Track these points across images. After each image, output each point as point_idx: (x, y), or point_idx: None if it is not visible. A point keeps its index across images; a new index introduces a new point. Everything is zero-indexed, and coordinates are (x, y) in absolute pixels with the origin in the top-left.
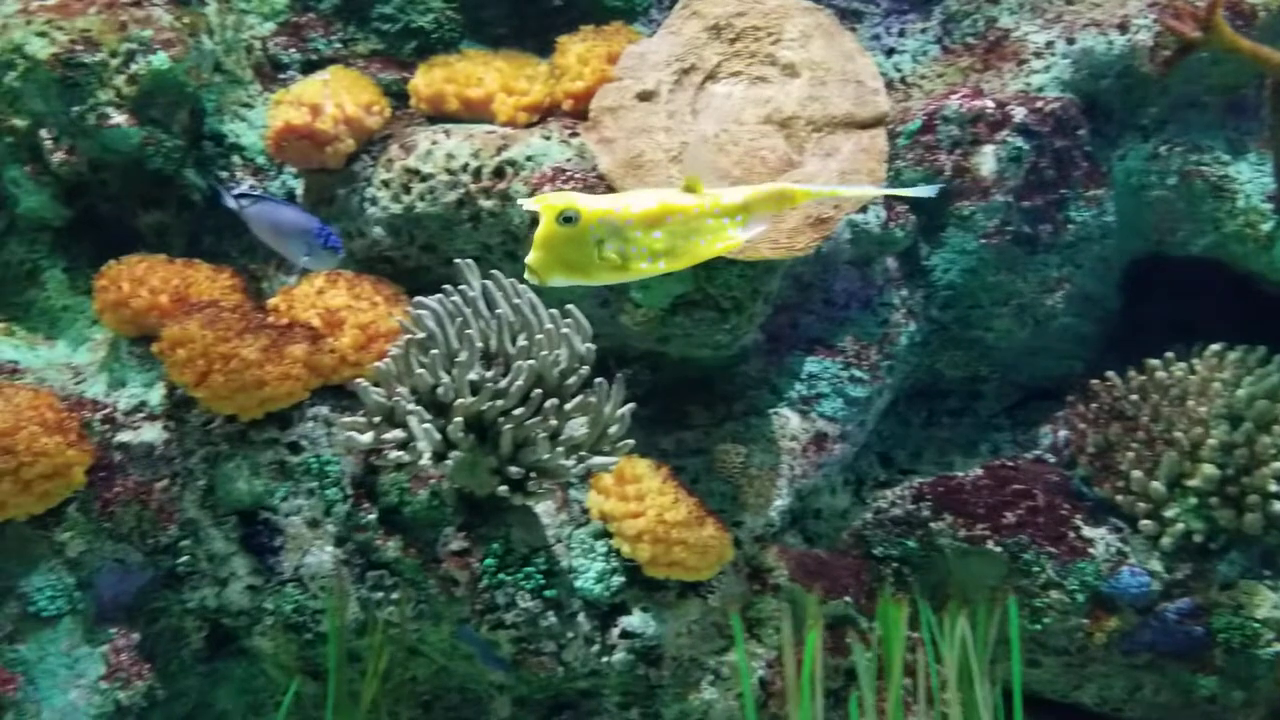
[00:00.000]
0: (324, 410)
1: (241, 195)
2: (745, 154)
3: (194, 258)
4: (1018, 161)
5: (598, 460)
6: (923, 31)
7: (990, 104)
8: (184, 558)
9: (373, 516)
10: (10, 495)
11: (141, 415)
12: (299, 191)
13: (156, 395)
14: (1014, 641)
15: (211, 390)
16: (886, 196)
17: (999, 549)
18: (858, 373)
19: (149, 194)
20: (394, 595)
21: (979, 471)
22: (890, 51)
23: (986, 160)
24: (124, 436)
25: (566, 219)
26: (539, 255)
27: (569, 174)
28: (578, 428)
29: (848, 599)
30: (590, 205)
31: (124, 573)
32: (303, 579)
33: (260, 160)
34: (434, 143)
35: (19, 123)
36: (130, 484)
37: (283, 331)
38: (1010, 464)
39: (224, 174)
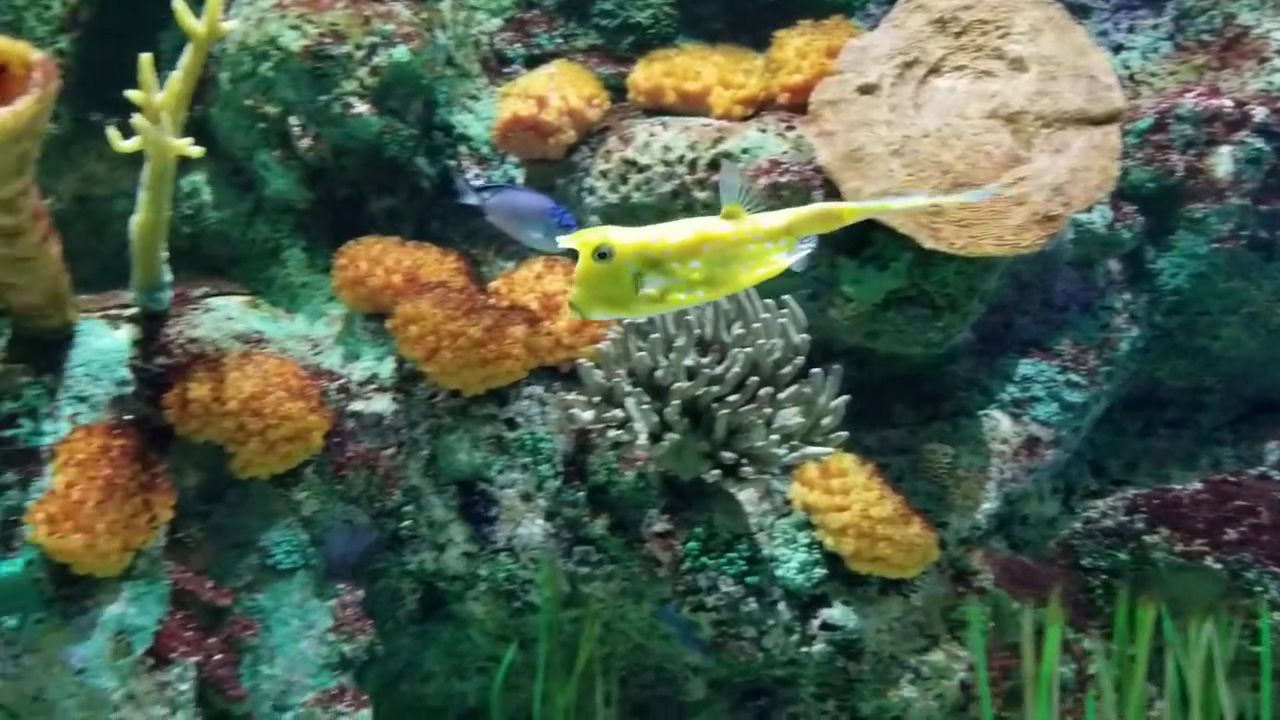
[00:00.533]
0: (539, 390)
1: (482, 189)
2: (968, 149)
3: (422, 241)
4: (1256, 164)
5: (811, 450)
6: (1154, 28)
7: (1229, 103)
8: (406, 522)
9: (581, 494)
10: (256, 455)
11: (373, 387)
12: (519, 181)
13: (387, 368)
14: (1264, 660)
15: (439, 365)
16: (1110, 196)
17: (1218, 566)
18: (1075, 377)
19: (383, 180)
20: (599, 571)
21: (1198, 486)
22: (1118, 48)
23: (1223, 161)
24: (356, 406)
25: (602, 255)
26: (579, 292)
27: (785, 166)
28: (791, 417)
29: (1052, 607)
30: (625, 239)
31: (351, 533)
32: (515, 549)
33: (485, 150)
34: (651, 135)
35: (271, 110)
36: (361, 450)
37: (504, 313)
38: (1233, 479)
39: (452, 163)
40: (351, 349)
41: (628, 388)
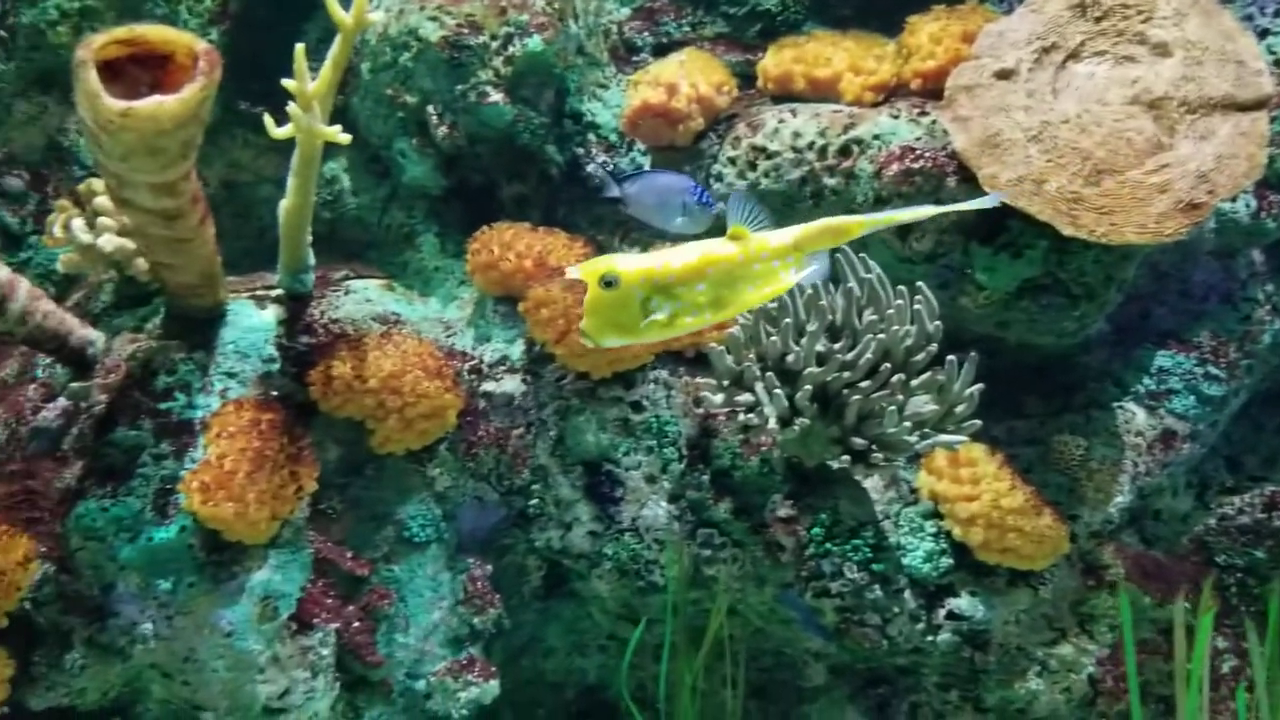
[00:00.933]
0: (664, 374)
1: (621, 177)
2: (1109, 135)
3: (551, 227)
4: None
5: (943, 437)
6: None
7: None
8: (533, 500)
9: (705, 477)
10: (395, 431)
11: (503, 368)
12: (647, 168)
13: (517, 350)
14: None
15: (569, 348)
16: (1255, 184)
17: None
18: (1213, 370)
19: (514, 167)
20: (722, 554)
21: None
22: (1264, 33)
23: None
24: (488, 386)
25: (608, 283)
26: (589, 320)
27: (918, 152)
28: (924, 404)
29: (1185, 604)
30: (630, 266)
31: (481, 509)
32: (639, 529)
33: (613, 138)
34: (781, 121)
35: (410, 99)
36: (491, 430)
37: None
38: None
39: (580, 150)
40: (483, 331)
41: (759, 372)
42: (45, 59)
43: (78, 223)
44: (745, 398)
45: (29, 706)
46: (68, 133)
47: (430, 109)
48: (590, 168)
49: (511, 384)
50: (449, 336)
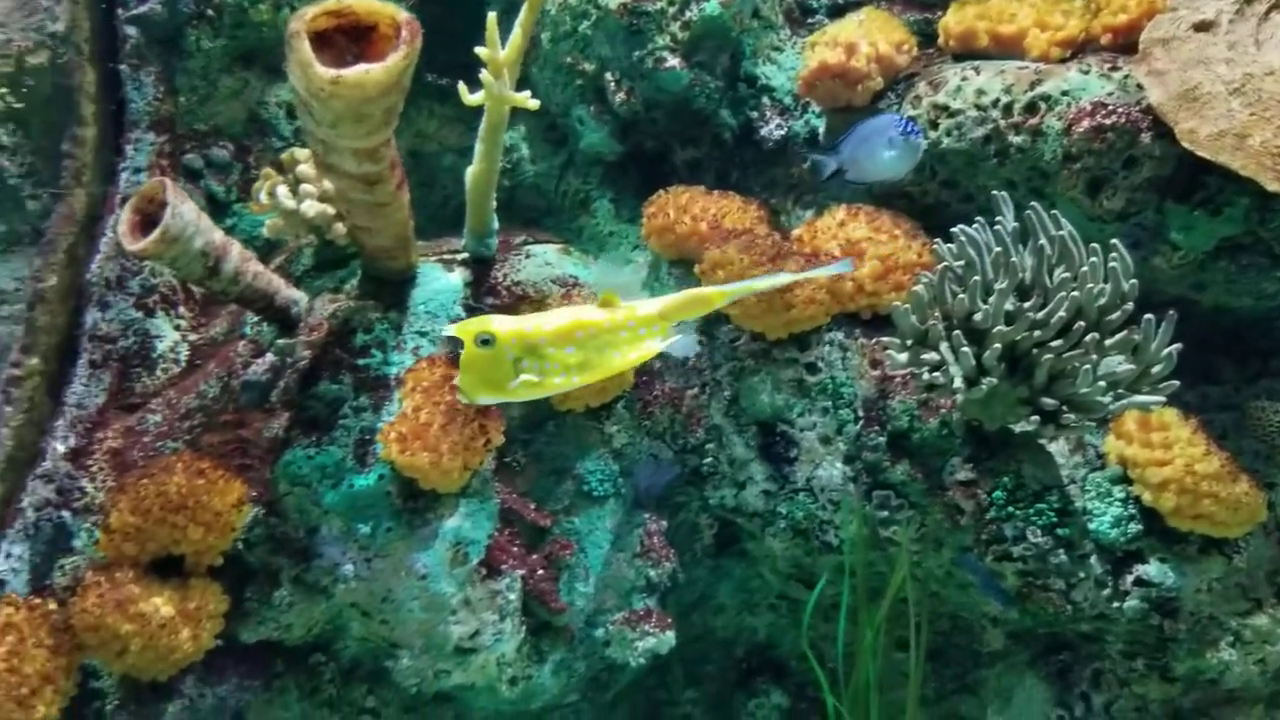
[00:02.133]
0: (839, 336)
1: (830, 152)
2: None
3: (725, 190)
4: None
5: (1139, 398)
6: None
7: None
8: (708, 459)
9: (882, 439)
10: (575, 388)
11: (678, 330)
12: (821, 130)
13: None
14: None
15: (744, 309)
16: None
17: None
18: None
19: (688, 132)
20: (898, 516)
21: None
22: None
23: None
24: None
25: (484, 341)
26: (464, 377)
27: (1110, 108)
28: (1118, 363)
29: None
30: (504, 327)
31: (656, 467)
32: (814, 490)
33: (787, 101)
34: (964, 79)
35: (588, 67)
36: (666, 390)
37: (809, 259)
38: None
39: (754, 114)
40: (658, 293)
41: (943, 331)
42: (247, 36)
43: (282, 189)
44: (930, 357)
45: (241, 640)
46: (268, 105)
47: (608, 75)
48: (807, 153)
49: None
50: (624, 300)
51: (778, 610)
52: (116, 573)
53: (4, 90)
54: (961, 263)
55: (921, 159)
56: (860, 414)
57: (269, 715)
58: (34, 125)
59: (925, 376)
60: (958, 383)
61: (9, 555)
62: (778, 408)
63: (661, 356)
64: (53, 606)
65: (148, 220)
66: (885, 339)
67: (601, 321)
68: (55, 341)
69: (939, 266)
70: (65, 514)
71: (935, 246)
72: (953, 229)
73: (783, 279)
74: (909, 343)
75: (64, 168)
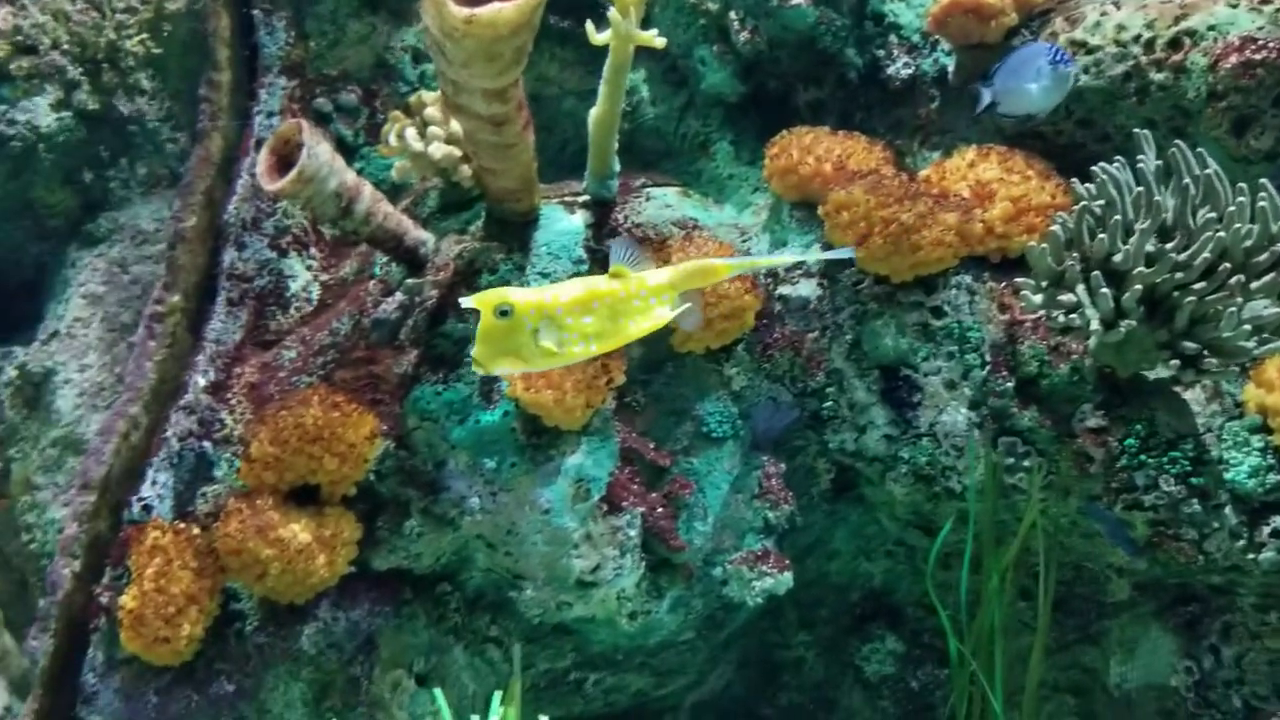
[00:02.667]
0: (967, 279)
1: (981, 84)
2: None
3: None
4: None
5: None
6: None
7: None
8: (828, 403)
9: (1010, 385)
10: (695, 329)
11: (799, 272)
12: (950, 68)
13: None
14: None
15: (869, 251)
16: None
17: None
18: None
19: (812, 72)
20: (1024, 463)
21: None
22: None
23: None
24: (784, 290)
25: (503, 312)
26: (481, 348)
27: (1260, 43)
28: (1264, 307)
29: None
30: (523, 297)
31: (775, 410)
32: (937, 435)
33: (915, 39)
34: (1103, 14)
35: (711, 6)
36: (786, 333)
37: (937, 200)
38: None
39: (880, 53)
40: (778, 236)
41: (1080, 273)
42: None
43: (410, 132)
44: (1066, 298)
45: (373, 567)
46: (394, 50)
47: (731, 14)
48: (966, 88)
49: (807, 288)
50: (744, 242)
51: (894, 556)
52: (257, 500)
53: (144, 36)
54: (1101, 202)
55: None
56: (987, 359)
57: (398, 641)
58: (172, 70)
59: (1060, 319)
60: (1095, 325)
61: (154, 482)
62: (901, 351)
63: (783, 300)
64: (196, 531)
65: (284, 161)
66: (1019, 280)
67: (615, 291)
68: (195, 280)
69: (1077, 206)
70: (206, 444)
71: (1073, 186)
72: (1093, 167)
73: (792, 257)
74: (1044, 284)
75: (201, 111)
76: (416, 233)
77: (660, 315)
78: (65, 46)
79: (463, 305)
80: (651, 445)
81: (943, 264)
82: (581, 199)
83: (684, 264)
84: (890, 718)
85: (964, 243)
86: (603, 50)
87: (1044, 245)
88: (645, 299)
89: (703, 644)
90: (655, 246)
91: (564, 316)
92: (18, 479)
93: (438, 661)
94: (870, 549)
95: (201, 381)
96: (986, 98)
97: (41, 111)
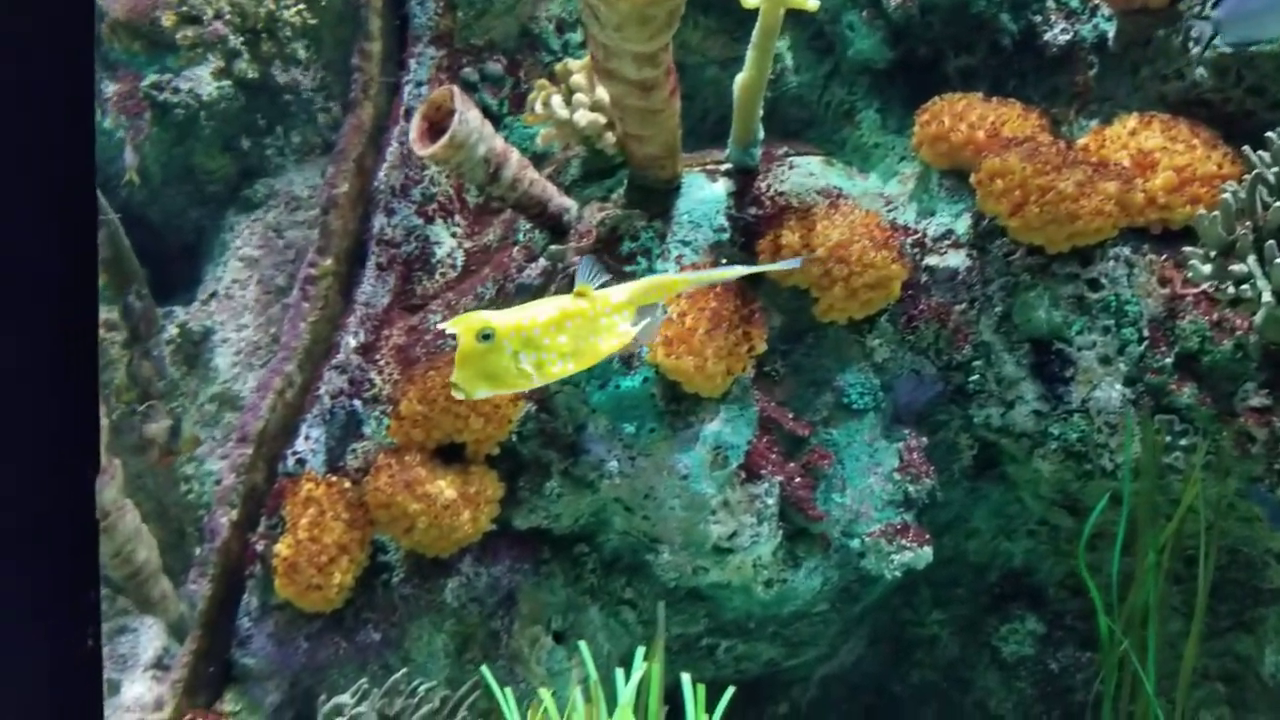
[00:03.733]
0: (1126, 251)
1: (1199, 16)
2: None
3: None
4: None
5: None
6: None
7: None
8: (974, 377)
9: (1168, 360)
10: (839, 300)
11: (948, 242)
12: (1110, 34)
13: (963, 225)
14: None
15: (1024, 221)
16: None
17: None
18: None
19: (964, 37)
20: (1181, 442)
21: None
22: None
23: None
24: (931, 260)
25: (485, 336)
26: (462, 373)
27: None
28: None
29: None
30: (502, 320)
31: (918, 383)
32: (1089, 411)
33: (1073, 3)
34: None
35: None
36: (933, 304)
37: (1096, 169)
38: None
39: (1036, 18)
40: (926, 206)
41: (1252, 243)
42: None
43: (556, 99)
44: (1237, 269)
45: (514, 526)
46: (538, 20)
47: None
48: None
49: (956, 259)
50: (890, 211)
51: (1036, 536)
52: (405, 456)
53: (301, 6)
54: (1276, 170)
55: (1227, 63)
56: (1145, 333)
57: (537, 598)
58: (326, 41)
59: (1229, 291)
60: (1266, 297)
61: (308, 437)
62: (1054, 325)
63: (930, 271)
64: (348, 485)
65: (436, 127)
66: (1186, 249)
67: (585, 310)
68: (346, 245)
69: (1249, 174)
70: (356, 403)
71: (1245, 153)
72: (1269, 134)
73: (738, 270)
74: (1213, 254)
75: (353, 81)
76: (560, 199)
77: (624, 331)
78: (227, 17)
79: (443, 329)
80: (790, 415)
81: (1101, 235)
82: (724, 167)
83: (640, 280)
84: (1027, 699)
85: (1124, 213)
86: (746, 18)
87: (1214, 213)
88: (610, 316)
89: (836, 616)
90: (799, 215)
91: (541, 337)
92: (187, 436)
93: (574, 620)
94: (1011, 528)
95: (352, 342)
96: (1208, 31)
97: (204, 80)
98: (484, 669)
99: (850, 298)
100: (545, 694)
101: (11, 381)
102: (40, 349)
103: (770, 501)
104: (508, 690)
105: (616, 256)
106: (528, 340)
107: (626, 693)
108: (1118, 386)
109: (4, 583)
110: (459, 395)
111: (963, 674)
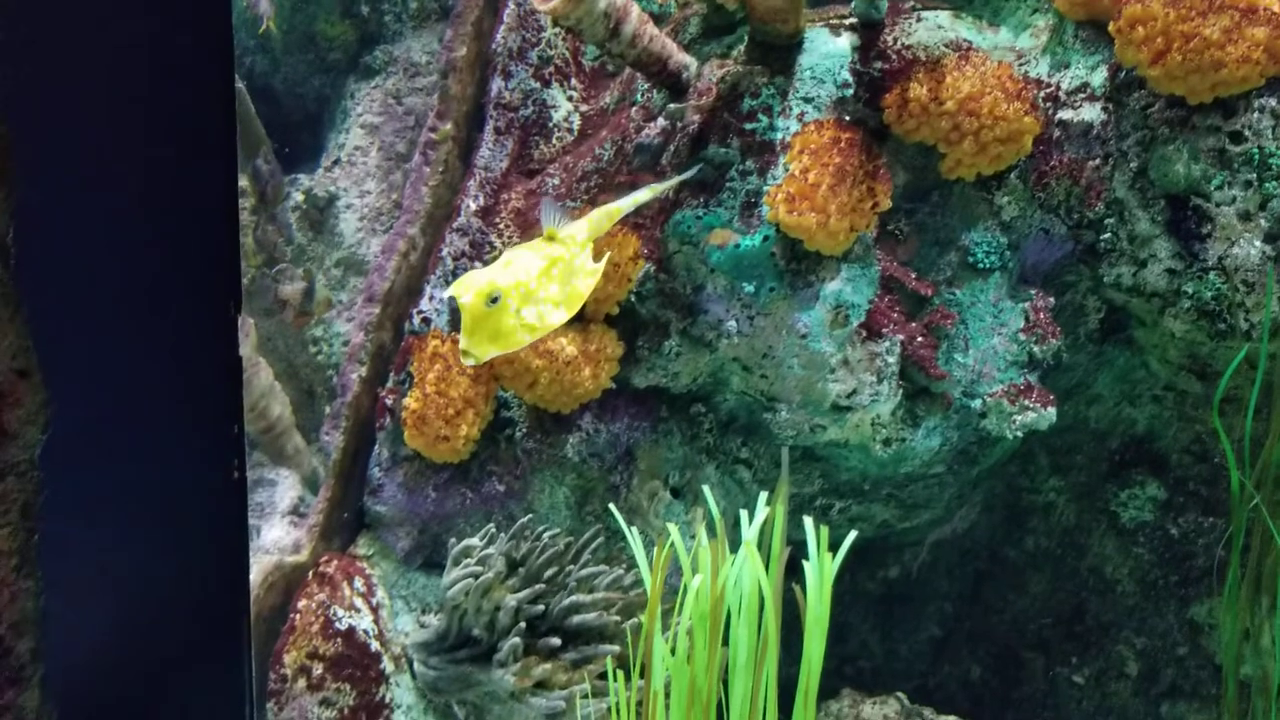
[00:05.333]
0: (1272, 102)
1: None
2: None
3: None
4: None
5: None
6: None
7: None
8: (1105, 235)
9: None
10: (968, 155)
11: (1082, 96)
12: None
13: (1099, 77)
14: None
15: (1166, 69)
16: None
17: None
18: None
19: None
20: None
21: None
22: None
23: None
24: (1064, 114)
25: (494, 299)
26: (471, 339)
27: None
28: None
29: None
30: (504, 280)
31: (1047, 242)
32: (1226, 269)
33: None
34: None
35: None
36: (1065, 160)
37: (1244, 14)
38: None
39: None
40: (1060, 58)
41: None
42: None
43: None
44: None
45: (633, 384)
46: None
47: None
48: None
49: (1091, 112)
50: (1021, 65)
51: (1162, 402)
52: None
53: None
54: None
55: None
56: None
57: (654, 454)
58: None
59: None
60: None
61: (432, 298)
62: (1193, 179)
63: (1062, 125)
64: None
65: None
66: None
67: (563, 254)
68: (465, 109)
69: None
70: (477, 265)
71: None
72: None
73: (669, 183)
74: None
75: None
76: (680, 57)
77: (592, 268)
78: None
79: (447, 296)
80: (913, 274)
81: (1247, 84)
82: (849, 21)
83: (591, 214)
84: (1144, 565)
85: (1273, 61)
86: None
87: None
88: (576, 255)
89: (952, 479)
90: (927, 69)
91: (538, 290)
92: (320, 298)
93: (691, 477)
94: (1136, 394)
95: (472, 206)
96: None
97: None
98: (613, 507)
99: (980, 153)
100: (673, 528)
101: (167, 230)
102: (182, 198)
103: (891, 360)
104: (633, 529)
105: (737, 114)
106: (527, 294)
107: (750, 530)
108: (1257, 243)
109: (159, 418)
110: (469, 362)
111: (1079, 540)
